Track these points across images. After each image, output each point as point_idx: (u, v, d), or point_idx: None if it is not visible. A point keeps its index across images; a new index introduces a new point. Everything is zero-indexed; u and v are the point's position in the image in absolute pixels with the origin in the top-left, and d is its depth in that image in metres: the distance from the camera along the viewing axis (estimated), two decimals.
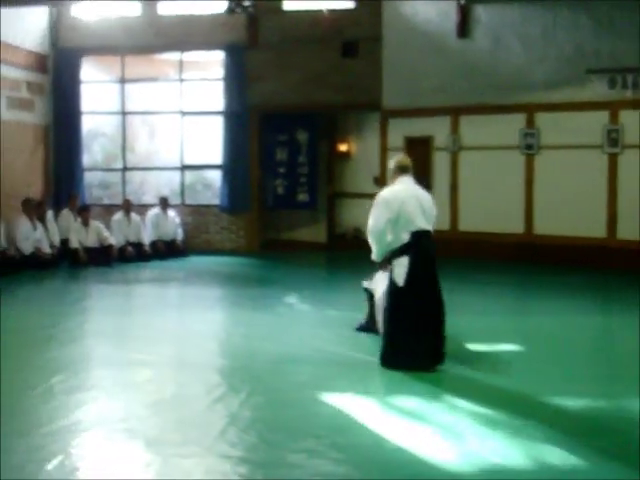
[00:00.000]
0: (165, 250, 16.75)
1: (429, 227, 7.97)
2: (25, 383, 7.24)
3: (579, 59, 15.03)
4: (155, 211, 17.07)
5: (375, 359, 7.90)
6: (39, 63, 17.39)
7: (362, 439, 5.73)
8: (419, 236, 7.83)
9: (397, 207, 7.83)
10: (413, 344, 7.66)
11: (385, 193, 8.08)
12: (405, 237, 7.81)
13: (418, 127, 16.78)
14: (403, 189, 8.03)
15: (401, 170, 8.21)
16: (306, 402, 6.64)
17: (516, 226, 15.75)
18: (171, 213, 17.30)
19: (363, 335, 9.19)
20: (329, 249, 18.10)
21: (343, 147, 18.37)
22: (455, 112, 16.38)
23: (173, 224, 17.28)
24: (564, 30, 15.25)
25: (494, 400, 6.65)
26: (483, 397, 6.71)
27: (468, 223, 16.32)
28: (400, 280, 7.76)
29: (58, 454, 5.42)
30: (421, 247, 7.83)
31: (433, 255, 7.95)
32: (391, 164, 8.39)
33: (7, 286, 13.01)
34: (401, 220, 7.82)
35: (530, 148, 15.60)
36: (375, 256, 8.19)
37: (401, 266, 7.77)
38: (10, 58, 16.12)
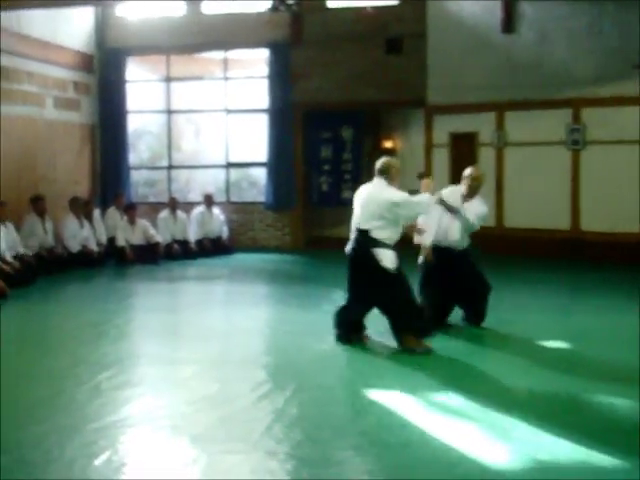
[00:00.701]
0: (211, 247, 16.84)
1: (363, 226, 8.48)
2: (76, 379, 7.36)
3: (625, 54, 14.85)
4: (200, 209, 17.15)
5: (421, 357, 7.94)
6: (85, 63, 17.55)
7: (408, 436, 5.73)
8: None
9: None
10: None
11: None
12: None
13: (463, 123, 16.72)
14: (363, 190, 8.65)
15: (377, 172, 8.67)
16: (352, 399, 6.67)
17: (562, 222, 15.63)
18: (216, 211, 17.37)
19: None
20: None
21: (388, 144, 18.34)
22: (500, 108, 16.29)
23: (218, 222, 17.35)
24: (610, 25, 15.09)
25: (541, 397, 6.63)
26: (528, 393, 6.69)
27: (514, 219, 16.22)
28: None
29: (106, 450, 5.49)
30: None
31: (357, 251, 8.55)
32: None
33: (56, 284, 13.18)
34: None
35: (576, 143, 15.48)
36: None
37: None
38: (57, 58, 16.29)
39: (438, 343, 8.55)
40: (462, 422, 6.01)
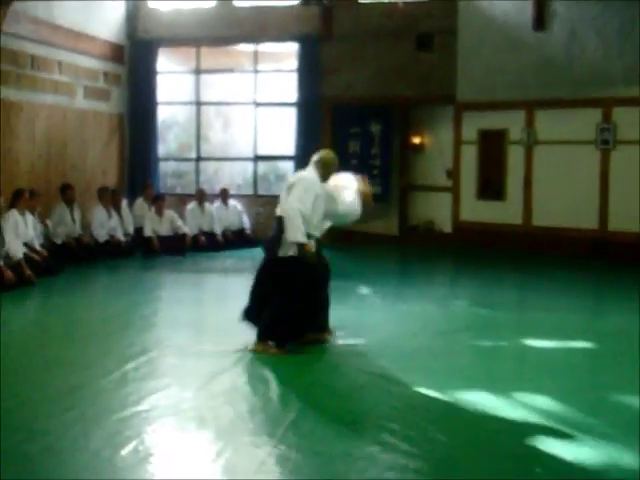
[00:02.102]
0: (235, 240, 16.87)
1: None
2: (102, 369, 7.38)
3: None
4: (216, 204, 17.19)
5: (447, 356, 7.93)
6: (116, 54, 17.60)
7: (435, 433, 5.72)
8: None
9: None
10: None
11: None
12: None
13: (493, 120, 16.65)
14: None
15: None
16: (379, 395, 6.65)
17: (590, 222, 15.54)
18: (232, 203, 17.39)
19: (432, 328, 9.22)
20: (401, 242, 18.06)
21: (416, 140, 18.29)
22: (530, 106, 16.21)
23: (235, 214, 17.36)
24: None
25: (565, 398, 6.60)
26: (554, 394, 6.66)
27: (542, 218, 16.15)
28: None
29: (132, 440, 5.52)
30: None
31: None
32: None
33: (83, 273, 13.26)
34: None
35: (606, 143, 15.38)
36: None
37: None
38: (88, 48, 16.35)
39: (471, 342, 8.57)
40: (487, 421, 5.99)
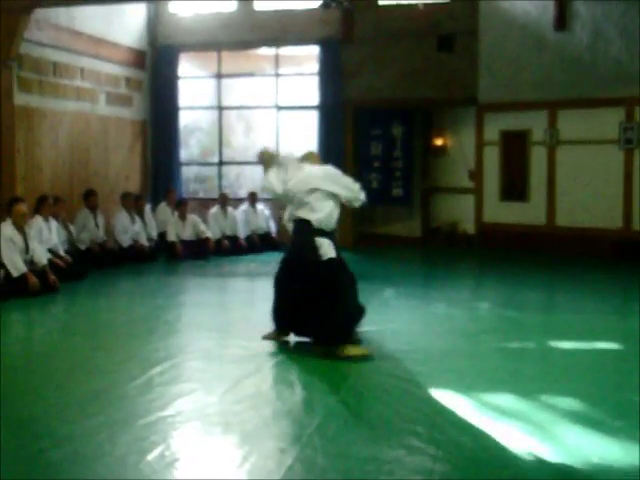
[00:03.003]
0: (259, 243, 16.90)
1: None
2: (127, 374, 7.38)
3: None
4: (244, 207, 17.23)
5: (473, 358, 7.91)
6: (137, 60, 17.67)
7: (461, 437, 5.68)
8: None
9: None
10: None
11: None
12: None
13: (515, 121, 16.62)
14: None
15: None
16: (405, 398, 6.61)
17: (614, 222, 15.48)
18: (260, 207, 17.41)
19: (457, 330, 9.20)
20: (424, 244, 18.02)
21: (438, 141, 18.26)
22: (553, 106, 16.15)
23: (263, 217, 17.41)
24: None
25: (592, 399, 6.55)
26: (581, 396, 6.62)
27: (565, 218, 16.10)
28: None
29: (158, 445, 5.50)
30: None
31: None
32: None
33: (107, 278, 13.31)
34: None
35: (629, 142, 15.30)
36: None
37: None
38: (110, 55, 16.42)
39: (497, 344, 8.55)
40: (513, 423, 5.95)
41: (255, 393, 6.89)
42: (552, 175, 16.26)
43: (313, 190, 8.32)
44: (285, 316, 8.51)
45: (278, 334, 8.60)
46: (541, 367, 7.70)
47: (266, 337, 8.60)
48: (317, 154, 9.46)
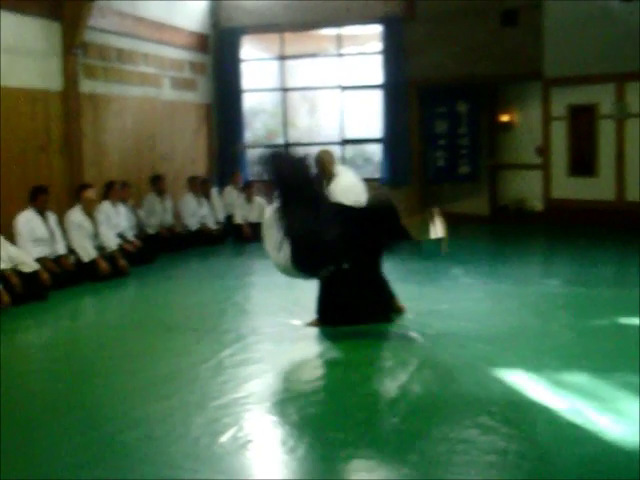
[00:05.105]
0: None
1: None
2: (198, 356, 7.44)
3: None
4: None
5: (545, 336, 7.83)
6: (200, 43, 17.71)
7: (535, 415, 5.62)
8: None
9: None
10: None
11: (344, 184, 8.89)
12: None
13: (582, 95, 16.36)
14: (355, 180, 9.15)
15: (335, 161, 9.17)
16: (477, 377, 6.55)
17: None
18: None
19: (528, 308, 9.11)
20: (491, 222, 17.86)
21: (504, 118, 18.05)
22: (621, 78, 15.86)
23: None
24: None
25: None
26: None
27: (635, 193, 15.83)
28: None
29: (231, 427, 5.53)
30: None
31: None
32: (329, 156, 9.24)
33: (175, 262, 13.40)
34: None
35: None
36: None
37: None
38: (173, 39, 16.48)
39: (568, 321, 8.46)
40: (587, 402, 5.87)
41: (326, 373, 6.90)
42: (621, 149, 15.99)
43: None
44: (332, 307, 8.51)
45: (321, 323, 8.55)
46: (614, 344, 7.58)
47: (310, 324, 8.54)
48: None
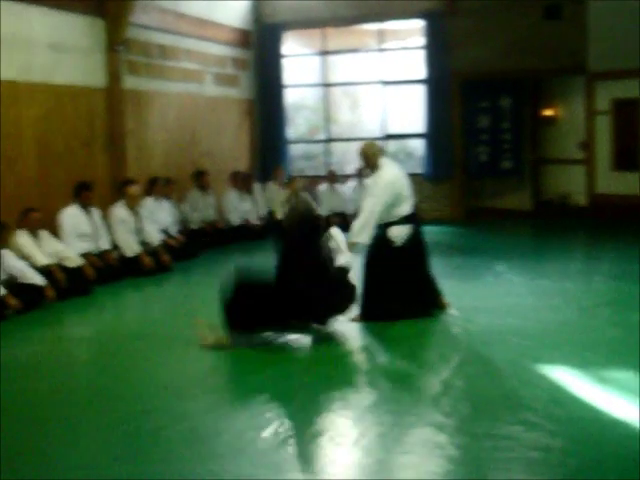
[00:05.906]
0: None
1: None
2: (243, 350, 7.44)
3: None
4: (350, 184, 17.17)
5: (590, 332, 7.77)
6: (242, 39, 17.74)
7: (579, 412, 5.59)
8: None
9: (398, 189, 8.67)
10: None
11: (388, 176, 8.73)
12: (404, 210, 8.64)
13: (626, 89, 16.18)
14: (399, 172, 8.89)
15: (381, 153, 9.00)
16: (521, 373, 6.51)
17: None
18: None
19: (573, 303, 9.05)
20: (535, 217, 17.73)
21: (548, 112, 17.92)
22: None
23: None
24: None
25: None
26: None
27: None
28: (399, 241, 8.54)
29: (273, 422, 5.54)
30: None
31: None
32: (372, 148, 9.09)
33: (218, 257, 13.42)
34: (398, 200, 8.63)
35: None
36: (366, 237, 8.65)
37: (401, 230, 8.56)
38: (216, 35, 16.53)
39: (614, 317, 8.38)
40: (632, 398, 5.82)
41: (370, 369, 6.90)
42: None
43: None
44: (375, 303, 8.52)
45: (364, 319, 8.54)
46: None
47: (353, 320, 8.51)
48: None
